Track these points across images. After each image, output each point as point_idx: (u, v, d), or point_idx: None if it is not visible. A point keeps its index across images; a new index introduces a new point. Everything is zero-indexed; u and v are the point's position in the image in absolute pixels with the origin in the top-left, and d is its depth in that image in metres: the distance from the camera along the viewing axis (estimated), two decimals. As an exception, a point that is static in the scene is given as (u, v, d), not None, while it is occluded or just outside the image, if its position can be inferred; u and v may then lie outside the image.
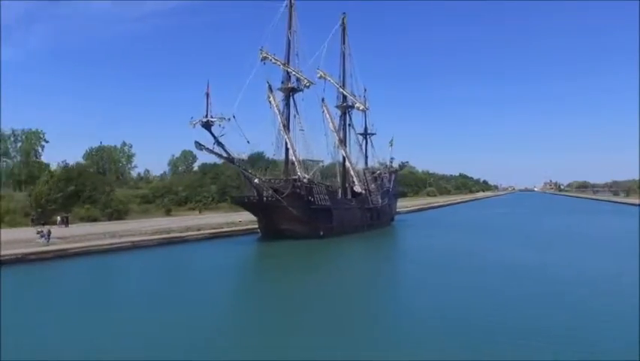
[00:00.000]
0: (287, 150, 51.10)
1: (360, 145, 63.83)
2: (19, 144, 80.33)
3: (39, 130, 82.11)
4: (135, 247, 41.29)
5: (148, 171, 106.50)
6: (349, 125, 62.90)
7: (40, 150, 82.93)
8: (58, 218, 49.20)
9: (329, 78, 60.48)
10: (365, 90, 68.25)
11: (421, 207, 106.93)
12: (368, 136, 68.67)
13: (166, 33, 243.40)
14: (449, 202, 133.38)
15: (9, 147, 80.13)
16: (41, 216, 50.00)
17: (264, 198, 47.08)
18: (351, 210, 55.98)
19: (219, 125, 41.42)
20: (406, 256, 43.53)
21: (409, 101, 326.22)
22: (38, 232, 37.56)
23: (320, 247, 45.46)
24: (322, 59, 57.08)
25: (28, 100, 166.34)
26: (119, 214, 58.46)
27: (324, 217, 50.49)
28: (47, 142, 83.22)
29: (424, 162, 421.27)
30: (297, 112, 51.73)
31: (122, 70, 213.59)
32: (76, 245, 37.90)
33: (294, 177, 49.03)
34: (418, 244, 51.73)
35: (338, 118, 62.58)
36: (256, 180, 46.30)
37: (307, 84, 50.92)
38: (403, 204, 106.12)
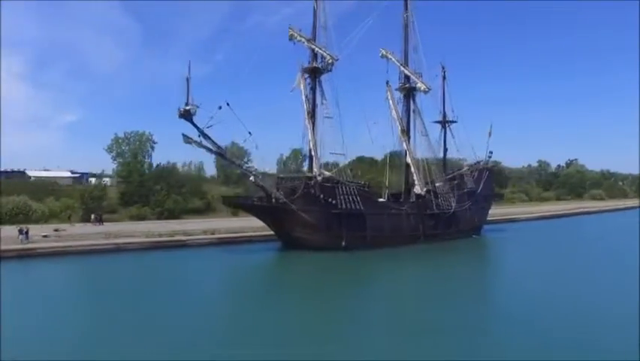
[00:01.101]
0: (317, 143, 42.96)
1: (427, 135, 51.34)
2: (130, 146, 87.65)
3: (147, 132, 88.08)
4: (119, 249, 38.31)
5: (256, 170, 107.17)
6: (414, 111, 51.19)
7: (150, 151, 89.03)
8: (92, 216, 49.76)
9: (391, 57, 50.21)
10: (443, 69, 55.66)
11: (562, 212, 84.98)
12: (447, 125, 55.48)
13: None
14: (610, 208, 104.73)
15: (124, 148, 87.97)
16: (85, 213, 51.38)
17: (273, 201, 39.78)
18: (398, 217, 44.69)
19: (192, 113, 35.64)
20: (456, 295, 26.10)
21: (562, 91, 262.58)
22: (19, 230, 36.93)
23: (331, 264, 35.91)
24: (367, 31, 47.10)
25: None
26: (170, 214, 57.46)
27: (353, 224, 40.84)
28: (156, 143, 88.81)
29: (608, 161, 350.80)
30: (323, 96, 43.15)
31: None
32: (50, 245, 36.39)
33: (309, 174, 40.68)
34: (493, 269, 38.02)
35: (401, 104, 51.56)
36: (251, 178, 39.38)
37: (330, 61, 41.88)
38: (530, 209, 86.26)
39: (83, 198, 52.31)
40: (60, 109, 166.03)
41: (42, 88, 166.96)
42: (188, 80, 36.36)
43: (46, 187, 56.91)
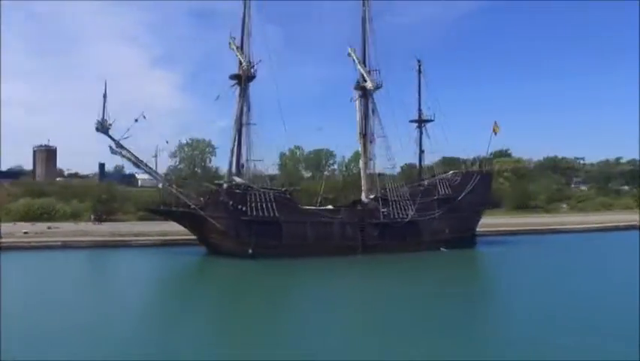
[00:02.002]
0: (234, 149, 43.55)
1: (384, 137, 47.16)
2: (192, 152, 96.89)
3: (206, 140, 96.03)
4: (66, 246, 43.96)
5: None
6: (372, 111, 47.79)
7: (211, 158, 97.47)
8: (92, 216, 57.14)
9: (353, 55, 48.13)
10: (419, 62, 50.65)
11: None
12: (423, 125, 50.19)
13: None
14: None
15: (185, 154, 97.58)
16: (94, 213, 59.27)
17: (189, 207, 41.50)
18: (327, 225, 42.36)
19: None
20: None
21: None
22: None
23: (224, 272, 36.91)
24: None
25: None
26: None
27: (265, 232, 40.25)
28: (216, 148, 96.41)
29: None
30: (247, 104, 43.26)
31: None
32: (6, 240, 43.63)
33: (219, 182, 41.38)
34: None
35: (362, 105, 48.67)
36: (159, 185, 41.54)
37: (245, 67, 41.87)
38: (607, 217, 71.01)
39: (93, 200, 60.46)
40: (214, 115, 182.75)
41: (198, 96, 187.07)
42: (104, 96, 40.32)
43: (75, 189, 66.87)
